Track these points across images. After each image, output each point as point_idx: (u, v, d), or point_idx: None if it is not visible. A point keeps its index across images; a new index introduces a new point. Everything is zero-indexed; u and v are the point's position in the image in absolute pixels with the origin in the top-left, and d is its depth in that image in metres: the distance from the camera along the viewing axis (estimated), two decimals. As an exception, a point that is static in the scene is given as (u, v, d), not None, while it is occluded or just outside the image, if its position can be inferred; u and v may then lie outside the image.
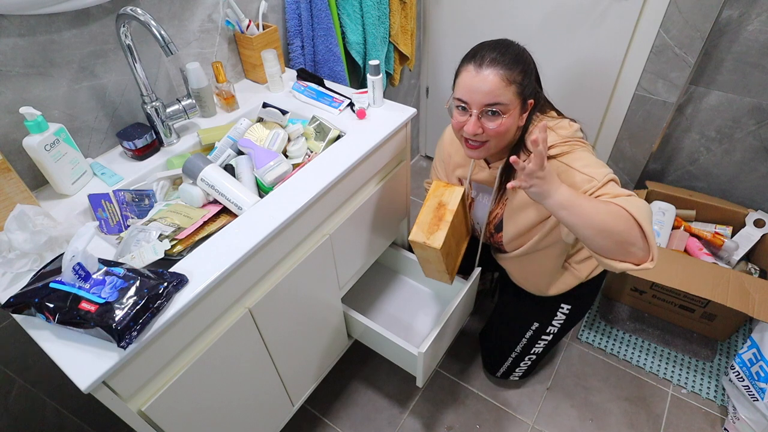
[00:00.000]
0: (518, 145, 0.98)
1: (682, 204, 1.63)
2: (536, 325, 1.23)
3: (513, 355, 1.30)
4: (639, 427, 1.33)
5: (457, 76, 0.93)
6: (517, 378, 1.39)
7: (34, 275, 0.72)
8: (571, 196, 0.80)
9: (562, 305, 1.21)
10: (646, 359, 1.48)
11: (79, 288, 0.67)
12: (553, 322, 1.22)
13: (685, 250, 1.54)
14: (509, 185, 0.84)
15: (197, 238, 0.85)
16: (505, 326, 1.32)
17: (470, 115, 0.90)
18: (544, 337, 1.25)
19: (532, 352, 1.28)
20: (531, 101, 0.93)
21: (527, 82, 0.90)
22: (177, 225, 0.85)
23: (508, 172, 1.02)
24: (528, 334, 1.25)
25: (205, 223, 0.88)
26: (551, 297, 1.19)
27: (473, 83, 0.88)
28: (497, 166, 1.05)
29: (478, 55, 0.89)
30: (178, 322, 0.73)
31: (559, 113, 1.03)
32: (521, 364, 1.32)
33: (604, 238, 0.79)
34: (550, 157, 0.93)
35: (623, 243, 0.78)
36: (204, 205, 0.93)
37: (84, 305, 0.65)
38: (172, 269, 0.76)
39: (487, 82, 0.87)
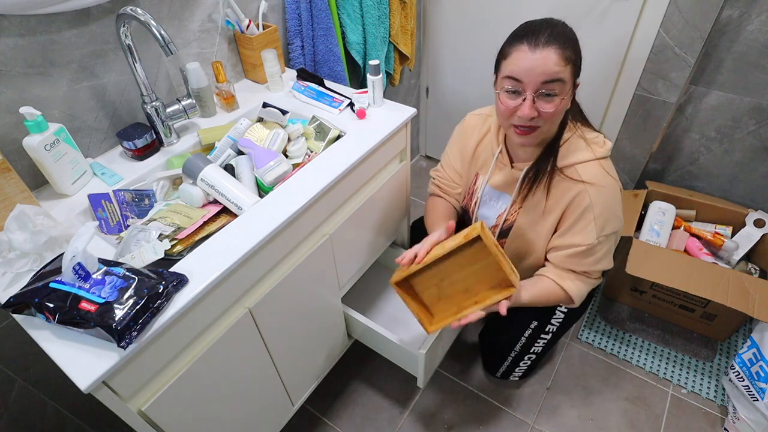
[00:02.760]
0: (554, 144, 0.95)
1: (682, 204, 1.63)
2: (535, 323, 1.23)
3: (512, 355, 1.30)
4: (639, 427, 1.33)
5: (504, 57, 0.88)
6: (517, 378, 1.38)
7: (34, 275, 0.72)
8: (529, 302, 0.99)
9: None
10: (646, 359, 1.48)
11: (79, 288, 0.67)
12: (552, 321, 1.22)
13: (685, 250, 1.54)
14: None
15: (197, 238, 0.85)
16: (504, 326, 1.32)
17: (524, 99, 0.86)
18: (543, 336, 1.24)
19: (531, 351, 1.28)
20: (578, 81, 0.90)
21: (579, 59, 0.87)
22: (177, 225, 0.85)
23: (536, 175, 0.97)
24: (527, 333, 1.25)
25: (205, 223, 0.88)
26: None
27: (529, 63, 0.83)
28: (521, 167, 1.00)
29: (531, 33, 0.84)
30: (178, 322, 0.73)
31: (587, 121, 1.00)
32: (521, 364, 1.32)
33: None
34: (577, 180, 0.94)
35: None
36: (204, 205, 0.93)
37: (84, 305, 0.65)
38: (172, 269, 0.76)
39: (547, 60, 0.82)
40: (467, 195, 1.18)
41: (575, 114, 0.97)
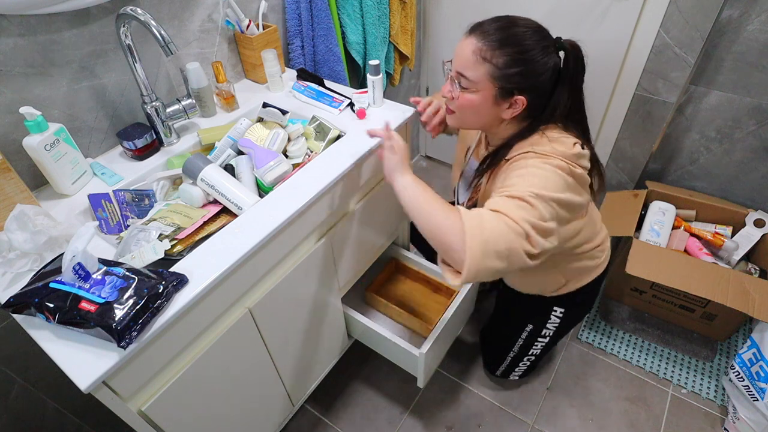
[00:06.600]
0: (507, 145, 0.89)
1: (682, 204, 1.63)
2: (530, 326, 1.22)
3: (511, 355, 1.30)
4: (639, 427, 1.33)
5: None
6: (517, 377, 1.38)
7: (34, 275, 0.72)
8: (404, 190, 0.86)
9: (555, 308, 1.18)
10: (646, 359, 1.48)
11: (79, 288, 0.67)
12: (548, 325, 1.21)
13: (685, 250, 1.54)
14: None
15: (197, 238, 0.85)
16: (503, 326, 1.32)
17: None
18: (540, 339, 1.24)
19: (530, 353, 1.28)
20: (521, 98, 0.83)
21: (514, 72, 0.80)
22: (177, 225, 0.85)
23: (491, 161, 0.93)
24: (523, 335, 1.24)
25: (205, 223, 0.88)
26: (544, 299, 1.17)
27: (458, 46, 0.87)
28: (491, 151, 0.98)
29: (481, 22, 0.87)
30: (178, 322, 0.73)
31: (576, 131, 0.88)
32: (520, 364, 1.32)
33: (428, 237, 0.81)
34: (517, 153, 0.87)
35: (443, 248, 0.78)
36: (204, 205, 0.93)
37: (84, 305, 0.65)
38: (172, 269, 0.76)
39: (463, 48, 0.85)
40: (458, 166, 1.20)
41: (561, 122, 0.88)
